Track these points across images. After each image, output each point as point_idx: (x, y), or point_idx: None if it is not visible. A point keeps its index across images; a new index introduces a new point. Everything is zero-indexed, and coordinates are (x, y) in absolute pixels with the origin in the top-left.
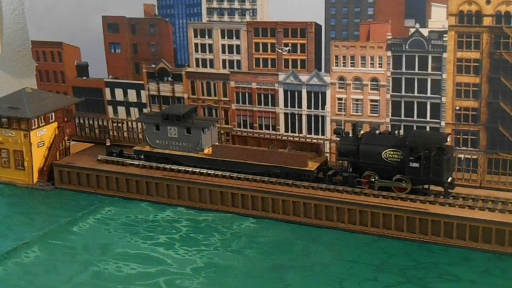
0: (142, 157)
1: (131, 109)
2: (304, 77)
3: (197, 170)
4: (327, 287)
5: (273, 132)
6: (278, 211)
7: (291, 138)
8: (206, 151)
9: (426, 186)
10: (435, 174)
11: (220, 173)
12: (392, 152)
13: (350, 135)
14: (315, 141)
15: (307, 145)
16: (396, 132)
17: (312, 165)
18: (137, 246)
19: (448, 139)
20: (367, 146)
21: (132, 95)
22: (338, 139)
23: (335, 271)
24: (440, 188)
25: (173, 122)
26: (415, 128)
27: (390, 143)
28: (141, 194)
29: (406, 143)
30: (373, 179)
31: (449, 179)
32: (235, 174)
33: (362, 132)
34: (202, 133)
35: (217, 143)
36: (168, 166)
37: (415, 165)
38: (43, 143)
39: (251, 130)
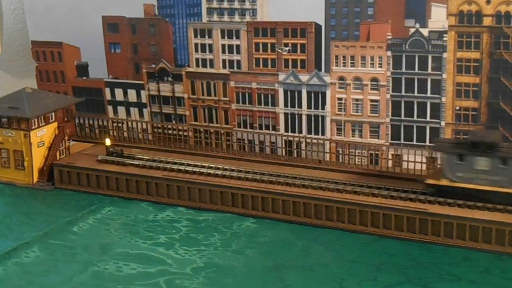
0: (435, 191)
1: (131, 109)
2: (304, 77)
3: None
4: (327, 287)
5: None
6: (278, 211)
7: None
8: None
9: None
10: None
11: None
12: None
13: None
14: None
15: None
16: None
17: None
18: (137, 246)
19: None
20: None
21: (132, 95)
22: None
23: (335, 271)
24: None
25: (483, 151)
26: (415, 128)
27: None
28: (141, 194)
29: None
30: None
31: None
32: (235, 173)
33: None
34: None
35: None
36: (168, 166)
37: None
38: (43, 143)
39: None
